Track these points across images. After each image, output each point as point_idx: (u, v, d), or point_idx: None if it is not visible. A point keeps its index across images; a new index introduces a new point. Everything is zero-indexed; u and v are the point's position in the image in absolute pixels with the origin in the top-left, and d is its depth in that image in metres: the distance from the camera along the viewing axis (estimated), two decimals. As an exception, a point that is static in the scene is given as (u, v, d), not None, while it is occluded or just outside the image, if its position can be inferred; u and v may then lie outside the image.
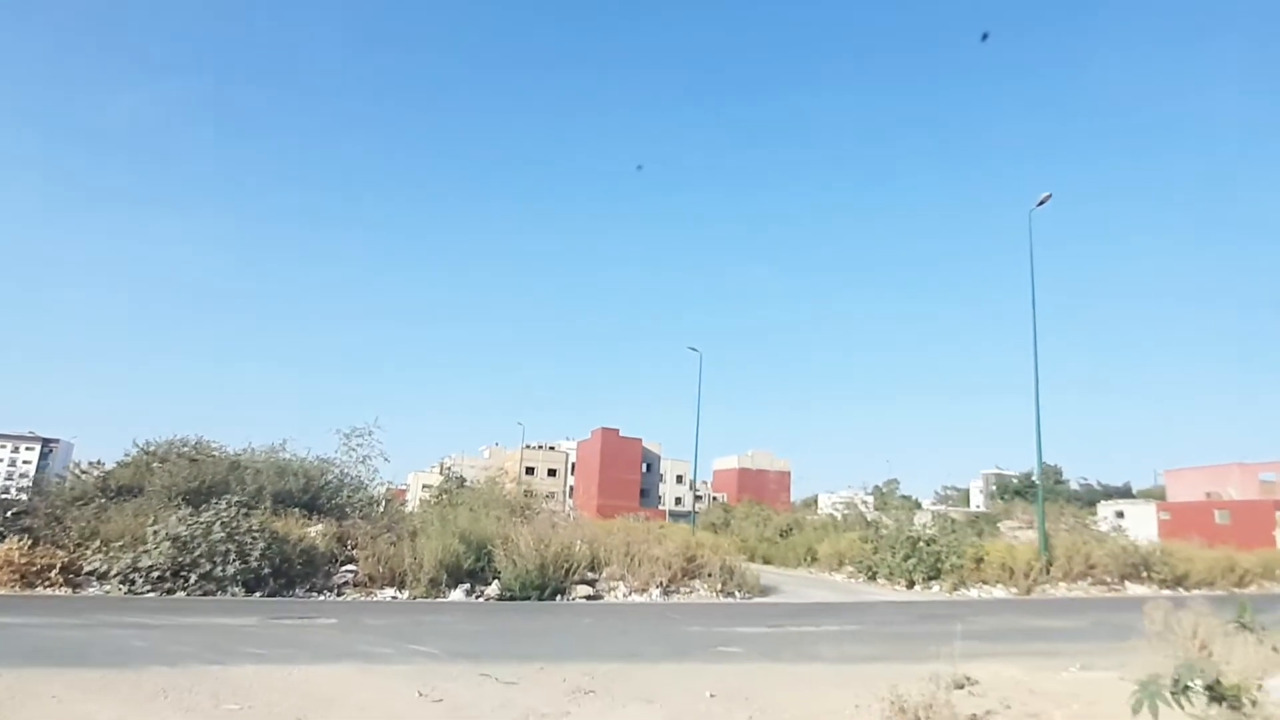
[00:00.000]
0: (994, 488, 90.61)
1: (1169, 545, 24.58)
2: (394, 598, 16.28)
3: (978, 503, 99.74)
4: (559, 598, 17.39)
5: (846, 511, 38.05)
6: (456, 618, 12.54)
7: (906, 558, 23.48)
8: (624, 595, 18.47)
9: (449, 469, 38.76)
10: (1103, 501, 52.70)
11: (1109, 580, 23.23)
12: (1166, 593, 23.11)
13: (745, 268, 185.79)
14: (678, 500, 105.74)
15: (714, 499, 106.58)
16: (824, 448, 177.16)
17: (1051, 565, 22.74)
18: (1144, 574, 23.48)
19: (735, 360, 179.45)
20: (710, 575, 19.76)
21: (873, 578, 24.73)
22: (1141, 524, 41.13)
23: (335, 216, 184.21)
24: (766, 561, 31.70)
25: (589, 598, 17.90)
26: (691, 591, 19.33)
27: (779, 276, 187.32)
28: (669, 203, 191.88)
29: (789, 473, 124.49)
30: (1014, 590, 21.80)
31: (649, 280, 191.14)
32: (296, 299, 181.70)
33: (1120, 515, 47.48)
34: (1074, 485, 78.52)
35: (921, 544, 23.51)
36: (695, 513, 47.25)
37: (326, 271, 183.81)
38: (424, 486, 54.26)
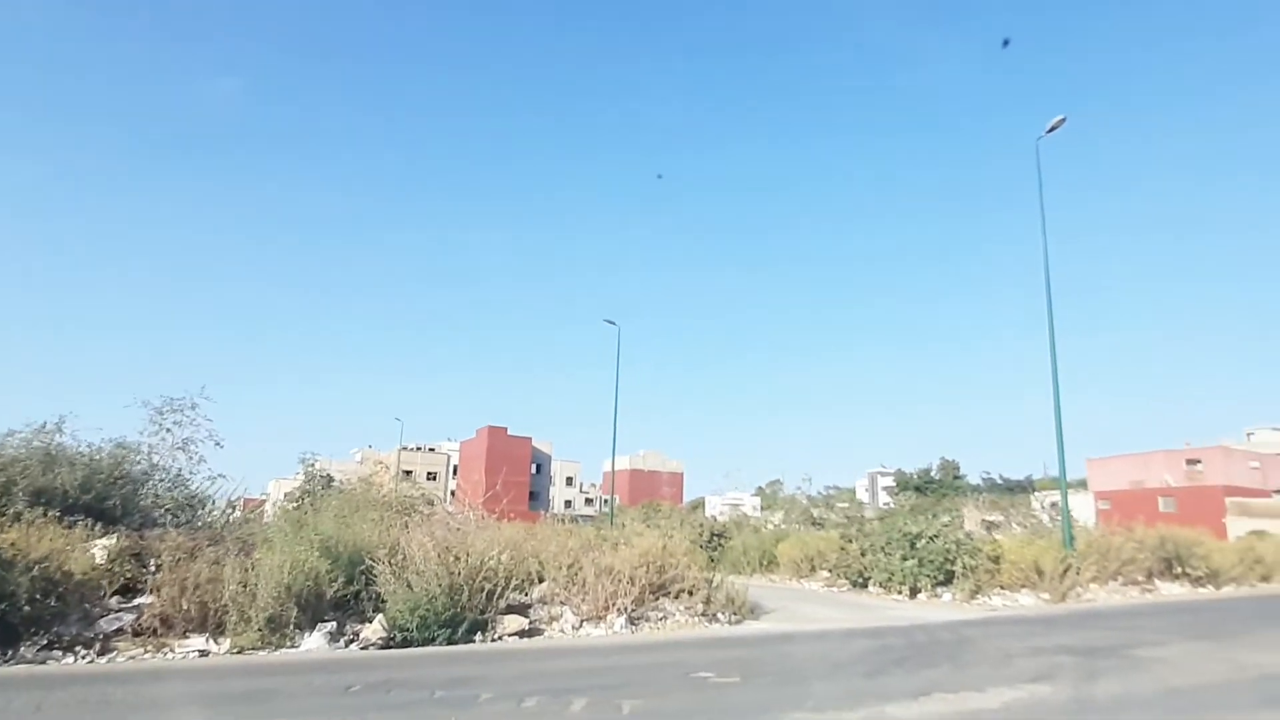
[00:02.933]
0: (892, 484, 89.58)
1: (1188, 535, 21.00)
2: (202, 653, 9.77)
3: (863, 500, 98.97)
4: (480, 636, 11.41)
5: (788, 507, 33.43)
6: (312, 716, 6.33)
7: (904, 558, 18.74)
8: (574, 626, 12.63)
9: (311, 464, 31.33)
10: (1033, 494, 50.75)
11: (1140, 579, 19.31)
12: (1205, 592, 19.47)
13: (636, 268, 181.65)
14: (567, 503, 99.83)
15: (604, 501, 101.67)
16: (712, 449, 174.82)
17: (1080, 565, 18.53)
18: (1176, 570, 19.71)
19: (624, 359, 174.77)
20: (689, 593, 14.19)
21: (862, 585, 19.89)
22: (1079, 514, 38.94)
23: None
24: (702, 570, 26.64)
25: (524, 634, 11.98)
26: (664, 616, 13.71)
27: (669, 275, 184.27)
28: (548, 188, 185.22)
29: (681, 473, 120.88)
30: (1044, 597, 17.44)
31: (532, 273, 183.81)
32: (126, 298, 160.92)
33: (1055, 505, 45.14)
34: (974, 480, 78.01)
35: (923, 541, 18.83)
36: (611, 513, 41.49)
37: (170, 261, 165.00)
38: (285, 495, 45.77)
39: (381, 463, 38.18)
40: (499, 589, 12.23)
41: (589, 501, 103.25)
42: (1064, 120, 20.41)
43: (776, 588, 21.38)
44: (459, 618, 11.23)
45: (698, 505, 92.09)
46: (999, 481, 69.64)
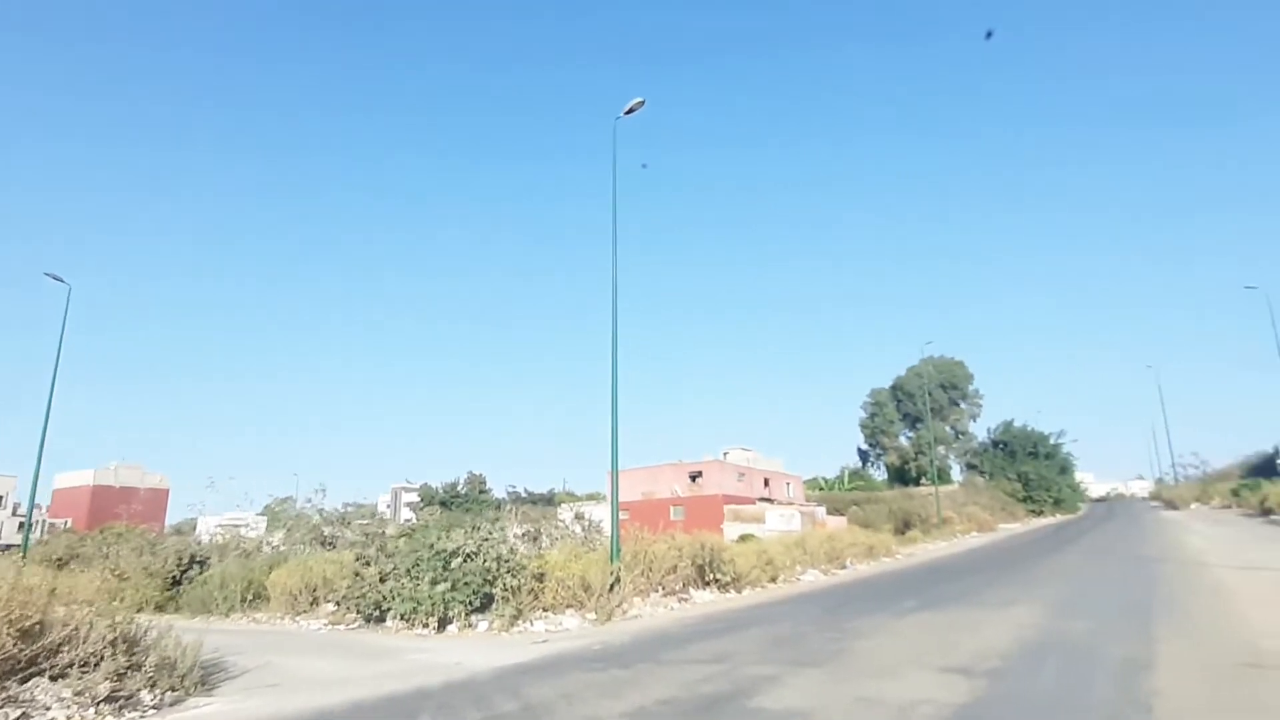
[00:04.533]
0: (416, 499, 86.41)
1: (718, 541, 21.31)
2: None
3: (385, 515, 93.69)
4: None
5: (293, 525, 27.59)
6: None
7: (435, 582, 15.27)
8: None
9: None
10: (562, 505, 51.50)
11: (678, 589, 18.60)
12: (733, 597, 19.55)
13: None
14: (-9, 529, 75.82)
15: (52, 525, 79.91)
16: (220, 465, 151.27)
17: (627, 577, 17.06)
18: (708, 577, 19.42)
19: (113, 361, 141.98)
20: (90, 665, 8.58)
21: (379, 618, 15.81)
22: (606, 524, 40.13)
23: None
24: (159, 610, 19.82)
25: None
26: (32, 708, 7.94)
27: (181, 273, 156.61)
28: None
29: (167, 490, 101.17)
30: (591, 617, 15.47)
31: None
32: None
33: (580, 517, 45.93)
34: (500, 494, 78.37)
35: (459, 560, 15.60)
36: (25, 543, 30.18)
37: None
38: None
39: None
40: None
41: (23, 526, 79.89)
42: (643, 103, 19.49)
43: (262, 630, 16.16)
44: None
45: (182, 528, 77.46)
46: (524, 495, 71.02)
